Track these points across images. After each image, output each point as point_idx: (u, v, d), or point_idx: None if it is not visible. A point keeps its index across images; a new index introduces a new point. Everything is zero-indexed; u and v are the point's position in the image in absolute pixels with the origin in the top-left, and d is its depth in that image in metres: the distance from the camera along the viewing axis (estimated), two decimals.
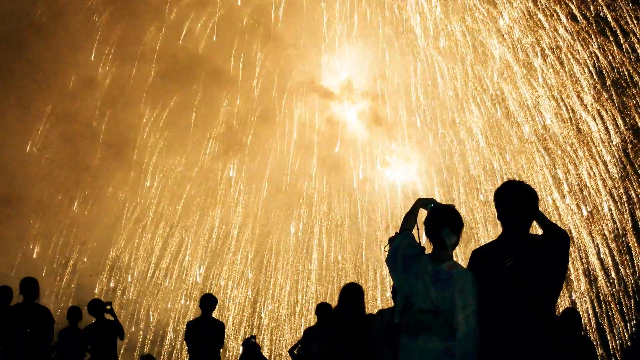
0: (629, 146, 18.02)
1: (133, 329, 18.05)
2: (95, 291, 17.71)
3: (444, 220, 3.71)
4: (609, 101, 18.11)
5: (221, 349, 8.33)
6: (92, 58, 19.78)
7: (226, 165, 20.22)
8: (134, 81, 19.90)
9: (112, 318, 8.76)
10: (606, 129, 18.15)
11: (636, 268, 17.82)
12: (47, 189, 18.71)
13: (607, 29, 18.00)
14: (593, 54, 18.27)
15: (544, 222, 3.75)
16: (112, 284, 18.61)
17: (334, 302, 6.71)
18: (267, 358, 11.52)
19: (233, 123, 20.32)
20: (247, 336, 11.54)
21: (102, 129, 19.54)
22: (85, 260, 18.52)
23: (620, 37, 17.92)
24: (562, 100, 18.73)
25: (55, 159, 19.22)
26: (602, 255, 18.10)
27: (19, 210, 18.06)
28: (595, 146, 18.37)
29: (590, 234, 18.27)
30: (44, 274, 17.10)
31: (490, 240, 3.88)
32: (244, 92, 20.32)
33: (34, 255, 17.64)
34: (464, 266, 3.74)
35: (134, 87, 19.93)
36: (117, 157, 19.55)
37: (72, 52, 19.61)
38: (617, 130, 18.02)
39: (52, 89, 19.46)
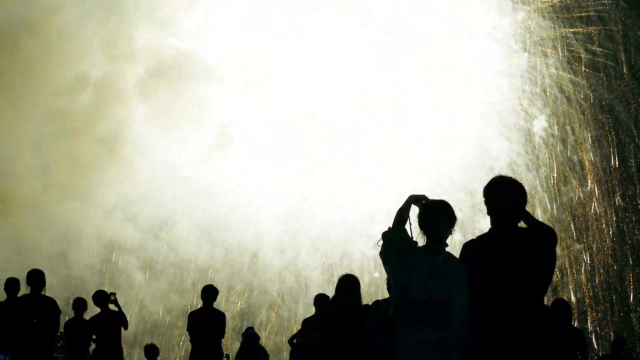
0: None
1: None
2: (96, 284, 17.78)
3: (439, 214, 3.82)
4: None
5: (222, 339, 8.55)
6: (84, 55, 19.82)
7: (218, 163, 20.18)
8: (125, 78, 19.95)
9: (116, 309, 8.99)
10: None
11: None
12: (41, 184, 18.79)
13: None
14: None
15: (531, 220, 3.81)
16: (109, 277, 18.73)
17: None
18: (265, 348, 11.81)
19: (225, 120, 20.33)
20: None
21: (94, 125, 19.61)
22: (82, 254, 18.62)
23: None
24: None
25: (48, 155, 19.29)
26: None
27: (15, 207, 18.15)
28: None
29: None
30: (41, 268, 17.12)
31: (481, 234, 3.96)
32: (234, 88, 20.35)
33: (30, 251, 17.67)
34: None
35: (125, 83, 19.97)
36: (109, 152, 19.63)
37: (64, 49, 19.66)
38: None
39: (45, 85, 19.51)
